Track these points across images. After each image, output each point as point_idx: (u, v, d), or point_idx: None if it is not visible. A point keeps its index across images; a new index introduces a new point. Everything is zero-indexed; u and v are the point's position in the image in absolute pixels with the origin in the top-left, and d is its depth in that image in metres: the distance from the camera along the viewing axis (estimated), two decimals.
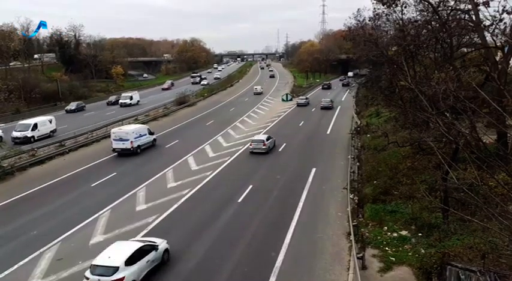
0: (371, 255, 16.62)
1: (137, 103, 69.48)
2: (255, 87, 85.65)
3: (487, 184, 11.85)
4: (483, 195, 10.66)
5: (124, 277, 14.12)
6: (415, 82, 17.33)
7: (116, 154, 34.72)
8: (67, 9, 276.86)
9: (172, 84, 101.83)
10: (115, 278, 14.00)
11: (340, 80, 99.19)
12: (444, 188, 17.45)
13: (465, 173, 14.92)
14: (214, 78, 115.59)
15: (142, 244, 15.74)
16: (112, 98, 72.16)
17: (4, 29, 75.16)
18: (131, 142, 34.52)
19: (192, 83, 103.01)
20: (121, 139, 34.65)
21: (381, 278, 15.32)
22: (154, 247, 16.00)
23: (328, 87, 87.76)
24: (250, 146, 34.50)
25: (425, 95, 14.67)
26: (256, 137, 35.91)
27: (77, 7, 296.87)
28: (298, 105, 64.12)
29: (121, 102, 68.61)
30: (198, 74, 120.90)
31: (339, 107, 62.17)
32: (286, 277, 15.57)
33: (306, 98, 67.62)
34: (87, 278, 14.25)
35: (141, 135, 36.34)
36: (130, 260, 14.63)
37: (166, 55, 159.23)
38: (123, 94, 71.82)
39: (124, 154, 34.55)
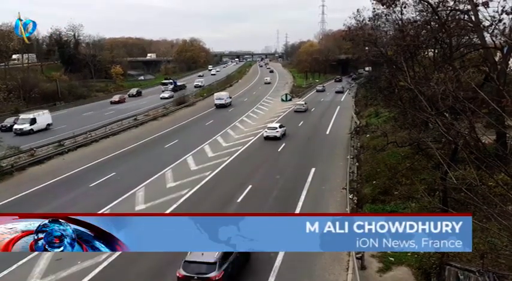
0: (370, 255, 16.58)
1: (46, 128, 46.98)
2: (265, 78, 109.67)
3: (486, 184, 11.87)
4: (482, 195, 10.66)
5: (279, 132, 38.74)
6: (414, 82, 17.30)
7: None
8: (67, 9, 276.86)
9: (138, 93, 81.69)
10: (276, 132, 38.90)
11: (350, 76, 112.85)
12: (443, 189, 17.43)
13: (464, 174, 14.92)
14: (195, 87, 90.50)
15: (280, 124, 41.25)
16: (9, 121, 47.83)
17: (3, 28, 75.04)
18: (225, 99, 64.05)
19: (163, 91, 79.32)
20: (219, 98, 63.67)
21: (380, 279, 15.33)
22: (284, 126, 40.67)
23: (340, 80, 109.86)
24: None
25: (425, 95, 14.65)
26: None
27: (77, 7, 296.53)
28: (317, 91, 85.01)
29: (16, 129, 44.54)
30: (171, 81, 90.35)
31: (338, 107, 62.22)
32: (285, 277, 15.57)
33: (323, 86, 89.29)
34: (266, 131, 39.14)
35: (227, 97, 65.50)
36: (279, 127, 39.77)
37: (150, 54, 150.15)
38: (21, 116, 47.06)
39: (221, 106, 62.35)
